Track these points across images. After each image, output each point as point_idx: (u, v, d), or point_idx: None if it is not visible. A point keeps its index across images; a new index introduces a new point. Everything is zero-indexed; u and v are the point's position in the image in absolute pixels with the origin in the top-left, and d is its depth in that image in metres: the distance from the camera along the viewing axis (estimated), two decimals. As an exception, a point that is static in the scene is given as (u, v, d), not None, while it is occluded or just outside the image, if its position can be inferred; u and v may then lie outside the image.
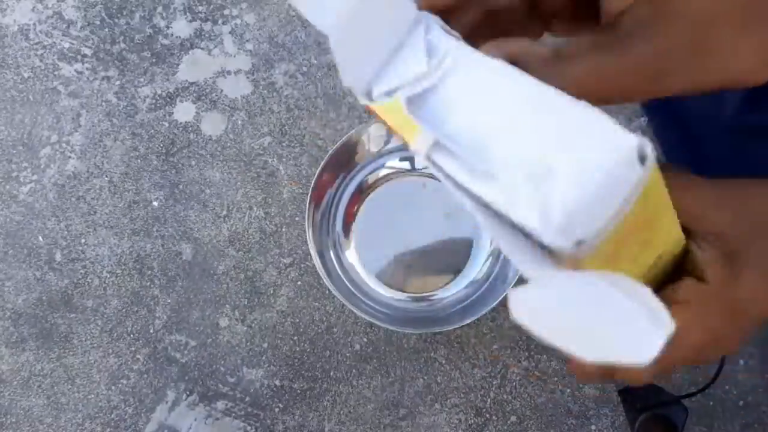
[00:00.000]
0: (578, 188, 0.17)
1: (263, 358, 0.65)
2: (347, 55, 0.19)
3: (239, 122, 0.69)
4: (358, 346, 0.65)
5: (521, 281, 0.65)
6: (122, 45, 0.70)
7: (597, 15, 0.27)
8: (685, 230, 0.27)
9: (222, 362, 0.65)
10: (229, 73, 0.70)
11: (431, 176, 0.65)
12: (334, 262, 0.64)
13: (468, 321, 0.59)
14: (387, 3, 0.20)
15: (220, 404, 0.65)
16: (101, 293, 0.66)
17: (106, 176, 0.68)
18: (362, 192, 0.66)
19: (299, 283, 0.66)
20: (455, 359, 0.65)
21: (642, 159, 0.17)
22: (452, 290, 0.64)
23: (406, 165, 0.66)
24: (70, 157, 0.68)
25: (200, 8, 0.71)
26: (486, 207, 0.19)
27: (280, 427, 0.64)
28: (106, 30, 0.71)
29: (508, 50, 0.25)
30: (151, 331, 0.66)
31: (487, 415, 0.64)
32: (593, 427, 0.64)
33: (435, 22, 0.21)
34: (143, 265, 0.67)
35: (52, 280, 0.67)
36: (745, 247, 0.27)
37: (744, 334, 0.30)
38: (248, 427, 0.64)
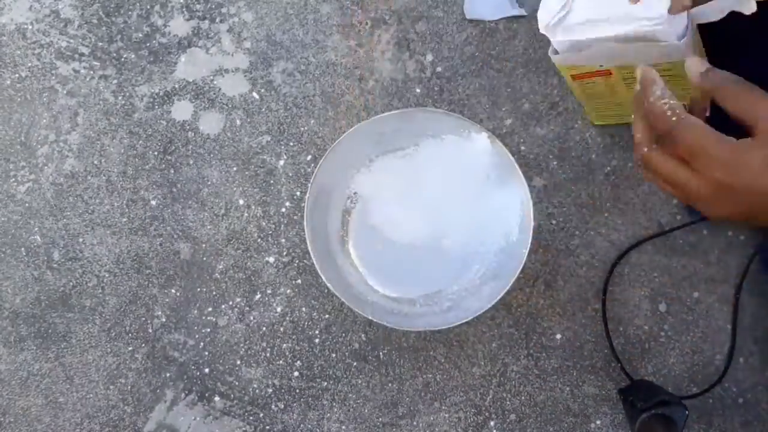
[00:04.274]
0: None
1: (262, 356, 0.65)
2: None
3: (237, 121, 0.69)
4: (357, 345, 0.65)
5: (517, 281, 0.65)
6: (120, 44, 0.70)
7: None
8: None
9: (221, 361, 0.65)
10: (227, 71, 0.69)
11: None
12: (333, 260, 0.64)
13: (467, 319, 0.59)
14: None
15: (219, 403, 0.65)
16: (99, 292, 0.66)
17: (104, 175, 0.68)
18: (360, 190, 0.65)
19: (298, 281, 0.66)
20: (454, 358, 0.65)
21: None
22: (451, 289, 0.64)
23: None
24: (67, 156, 0.68)
25: (198, 6, 0.71)
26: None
27: (279, 426, 0.64)
28: (104, 29, 0.70)
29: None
30: (150, 330, 0.66)
31: (487, 414, 0.64)
32: (592, 425, 0.64)
33: None
34: (141, 264, 0.67)
35: (50, 279, 0.66)
36: None
37: (732, 204, 0.35)
38: (247, 426, 0.64)
